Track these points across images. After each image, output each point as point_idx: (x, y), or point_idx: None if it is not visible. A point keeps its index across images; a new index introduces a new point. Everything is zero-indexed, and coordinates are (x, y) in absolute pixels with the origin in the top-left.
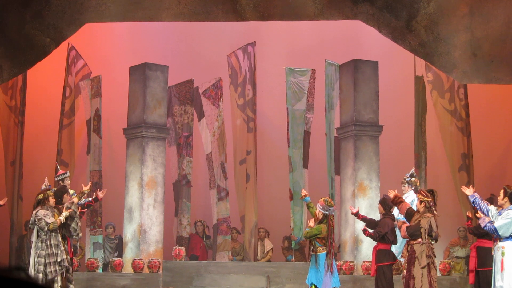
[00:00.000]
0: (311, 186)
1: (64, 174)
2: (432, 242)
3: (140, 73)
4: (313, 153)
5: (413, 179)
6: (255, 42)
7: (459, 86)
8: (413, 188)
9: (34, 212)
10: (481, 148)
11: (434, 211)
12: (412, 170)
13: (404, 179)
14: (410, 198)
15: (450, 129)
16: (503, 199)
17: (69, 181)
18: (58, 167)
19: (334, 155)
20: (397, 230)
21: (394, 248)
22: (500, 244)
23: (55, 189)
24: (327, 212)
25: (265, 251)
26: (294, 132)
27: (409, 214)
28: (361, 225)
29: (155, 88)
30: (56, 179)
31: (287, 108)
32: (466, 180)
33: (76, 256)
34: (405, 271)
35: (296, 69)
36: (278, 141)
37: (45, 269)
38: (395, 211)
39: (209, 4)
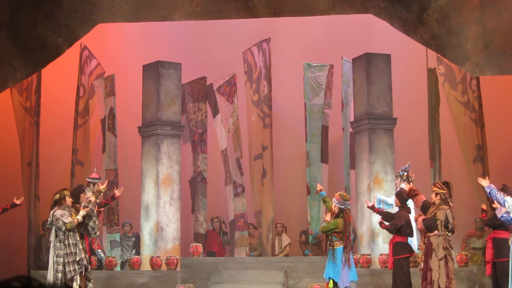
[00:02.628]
0: (330, 180)
1: (97, 179)
2: (449, 234)
3: (154, 71)
4: (331, 147)
5: (405, 173)
6: (269, 38)
7: (471, 77)
8: (405, 182)
9: (52, 212)
10: (494, 139)
11: (450, 203)
12: (407, 164)
13: (398, 173)
14: None
15: (463, 121)
16: None
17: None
18: (95, 170)
19: (349, 149)
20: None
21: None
22: None
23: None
24: (343, 206)
25: (283, 246)
26: (311, 127)
27: (425, 206)
28: (377, 218)
29: (168, 86)
30: (87, 180)
31: (305, 103)
32: (481, 171)
33: (95, 255)
34: (422, 264)
35: (314, 64)
36: (295, 136)
37: (64, 268)
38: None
39: (221, 2)
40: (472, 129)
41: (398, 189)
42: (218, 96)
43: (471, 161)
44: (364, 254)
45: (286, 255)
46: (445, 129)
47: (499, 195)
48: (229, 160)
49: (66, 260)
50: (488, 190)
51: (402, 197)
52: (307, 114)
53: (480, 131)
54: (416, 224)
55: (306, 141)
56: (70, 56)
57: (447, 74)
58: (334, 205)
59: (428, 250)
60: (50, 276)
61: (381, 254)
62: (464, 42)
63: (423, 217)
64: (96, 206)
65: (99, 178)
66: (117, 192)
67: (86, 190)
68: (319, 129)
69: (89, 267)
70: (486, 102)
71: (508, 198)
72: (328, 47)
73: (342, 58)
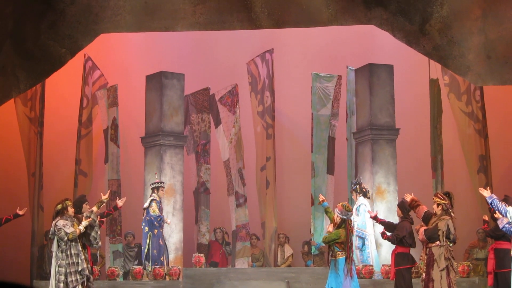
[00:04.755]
0: (335, 191)
1: (160, 183)
2: (450, 245)
3: (157, 81)
4: (337, 158)
5: (357, 186)
6: (273, 49)
7: (475, 88)
8: (361, 195)
9: (54, 222)
10: (498, 149)
11: (452, 213)
12: (357, 177)
13: (352, 188)
14: (359, 203)
15: (467, 131)
16: None
17: (163, 192)
18: (156, 177)
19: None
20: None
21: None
22: None
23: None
24: (345, 217)
25: (285, 257)
26: (318, 138)
27: (427, 217)
28: (380, 228)
29: (171, 97)
30: (151, 186)
31: (312, 114)
32: (484, 182)
33: (97, 265)
34: (424, 274)
35: (322, 75)
36: (299, 147)
37: (66, 278)
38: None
39: (224, 13)
40: (476, 139)
41: (401, 199)
42: (220, 106)
43: (475, 172)
44: (366, 265)
45: (289, 266)
46: (448, 139)
47: (500, 206)
48: (232, 171)
49: (68, 270)
50: (489, 201)
51: (404, 207)
52: (314, 124)
53: (484, 142)
54: (418, 234)
55: (312, 152)
56: (73, 67)
57: (452, 84)
58: (337, 215)
59: (430, 261)
60: (52, 286)
61: (383, 265)
62: (466, 52)
63: (425, 227)
64: (99, 216)
65: (162, 182)
66: (119, 202)
67: (152, 196)
68: (326, 140)
69: (91, 277)
70: (489, 112)
71: (510, 208)
72: (331, 58)
73: (347, 67)
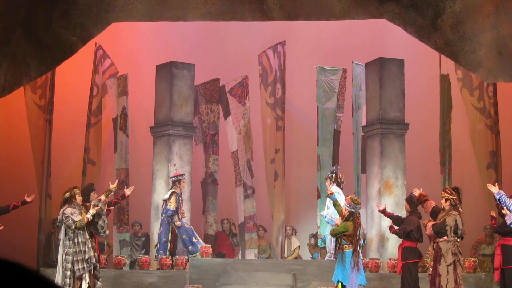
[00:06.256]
0: None
1: (180, 176)
2: (458, 240)
3: (167, 71)
4: (342, 152)
5: (333, 175)
6: (285, 41)
7: (488, 83)
8: (335, 184)
9: (61, 210)
10: (509, 146)
11: (460, 209)
12: (334, 167)
13: (327, 175)
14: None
15: (478, 127)
16: None
17: (184, 184)
18: (175, 169)
19: (360, 154)
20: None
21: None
22: None
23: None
24: (353, 210)
25: (292, 249)
26: (323, 131)
27: (435, 212)
28: (387, 222)
29: (181, 87)
30: (171, 179)
31: (317, 107)
32: (494, 178)
33: (104, 254)
34: (431, 269)
35: (327, 68)
36: (307, 139)
37: (73, 266)
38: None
39: (236, 4)
40: (487, 135)
41: (409, 194)
42: (229, 97)
43: (485, 168)
44: (373, 258)
45: (295, 258)
46: (458, 135)
47: (508, 202)
48: (240, 162)
49: (75, 258)
50: (497, 197)
51: (412, 202)
52: (319, 117)
53: (495, 138)
54: (425, 229)
55: (317, 145)
56: (83, 55)
57: (464, 79)
58: (345, 208)
59: (437, 256)
60: (59, 274)
61: (390, 259)
62: (478, 48)
63: (433, 222)
64: (106, 205)
65: (183, 174)
66: (127, 191)
67: (173, 189)
68: (331, 133)
69: (98, 265)
70: (502, 108)
71: None
72: (342, 51)
73: (352, 62)
